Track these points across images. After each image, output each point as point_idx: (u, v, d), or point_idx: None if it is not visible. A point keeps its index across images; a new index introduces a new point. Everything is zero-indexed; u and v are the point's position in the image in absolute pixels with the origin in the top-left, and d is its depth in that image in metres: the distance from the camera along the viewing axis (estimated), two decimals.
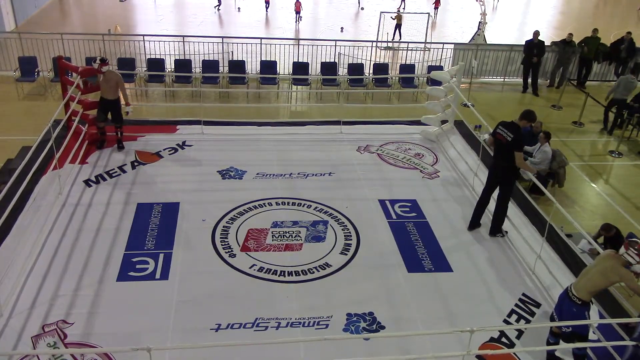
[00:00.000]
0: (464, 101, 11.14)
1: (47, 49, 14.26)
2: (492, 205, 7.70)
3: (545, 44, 15.89)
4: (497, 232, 7.62)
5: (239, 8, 26.88)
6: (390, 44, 19.65)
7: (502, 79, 16.63)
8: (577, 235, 7.81)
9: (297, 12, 24.15)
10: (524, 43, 15.87)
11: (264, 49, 15.26)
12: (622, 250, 5.71)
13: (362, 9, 27.78)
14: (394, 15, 21.80)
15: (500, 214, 7.55)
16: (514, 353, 5.71)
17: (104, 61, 8.76)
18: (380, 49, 18.97)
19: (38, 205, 7.37)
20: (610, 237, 7.75)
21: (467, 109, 10.73)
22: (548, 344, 5.71)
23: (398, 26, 21.44)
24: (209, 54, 14.97)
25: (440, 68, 14.93)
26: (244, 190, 8.34)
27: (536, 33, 15.40)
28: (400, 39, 20.90)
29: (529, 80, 15.95)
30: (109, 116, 9.02)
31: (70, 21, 23.31)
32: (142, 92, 14.23)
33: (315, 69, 15.11)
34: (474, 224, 7.74)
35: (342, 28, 24.36)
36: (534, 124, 10.77)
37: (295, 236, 7.35)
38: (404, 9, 28.01)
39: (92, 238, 7.06)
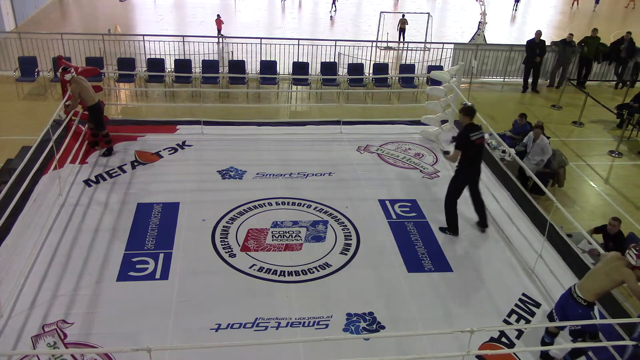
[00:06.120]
0: (464, 101, 11.13)
1: (47, 49, 14.27)
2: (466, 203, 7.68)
3: (546, 43, 15.91)
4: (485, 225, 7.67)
5: (331, 17, 25.76)
6: (389, 44, 19.66)
7: (502, 79, 16.65)
8: (577, 235, 7.82)
9: (219, 30, 20.45)
10: (524, 43, 15.89)
11: (264, 49, 15.27)
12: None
13: (331, 17, 26.05)
14: (399, 20, 21.90)
15: (483, 207, 7.61)
16: (514, 353, 5.71)
17: (65, 70, 8.63)
18: (380, 49, 18.97)
19: (38, 205, 7.36)
20: (612, 235, 7.74)
21: None
22: (543, 343, 5.72)
23: (402, 30, 21.56)
24: (209, 54, 14.99)
25: (440, 68, 14.93)
26: (244, 190, 8.34)
27: (538, 33, 15.42)
28: (404, 40, 20.96)
29: (529, 80, 15.96)
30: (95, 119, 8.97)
31: (70, 21, 23.32)
32: (142, 92, 14.24)
33: (315, 69, 15.13)
34: (483, 223, 7.74)
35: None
36: (535, 124, 10.78)
37: (295, 236, 7.35)
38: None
39: (91, 238, 7.05)
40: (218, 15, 20.36)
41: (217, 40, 18.23)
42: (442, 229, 7.63)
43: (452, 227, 7.59)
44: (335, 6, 26.48)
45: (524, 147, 10.44)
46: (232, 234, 7.31)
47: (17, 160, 8.23)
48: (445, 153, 7.60)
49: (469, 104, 7.99)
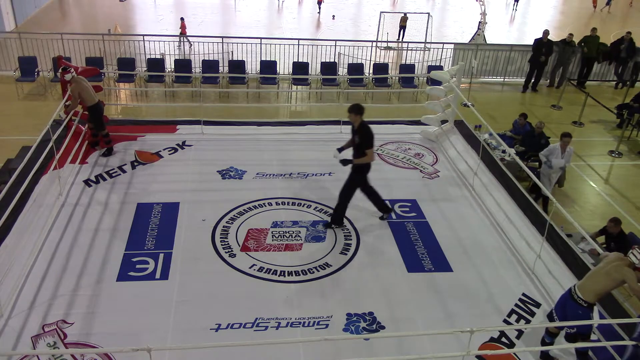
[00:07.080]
0: (463, 101, 11.13)
1: (47, 49, 14.26)
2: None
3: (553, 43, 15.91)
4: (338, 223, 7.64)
5: (333, 16, 25.83)
6: (389, 44, 19.66)
7: (502, 79, 16.64)
8: (577, 235, 7.81)
9: (183, 34, 18.73)
10: (524, 43, 15.87)
11: (264, 49, 15.27)
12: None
13: (333, 17, 26.00)
14: (400, 18, 22.02)
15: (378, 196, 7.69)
16: (514, 353, 5.71)
17: (65, 70, 8.64)
18: (380, 49, 18.97)
19: (38, 205, 7.36)
20: (614, 235, 7.73)
21: (467, 108, 10.73)
22: (543, 343, 5.72)
23: (403, 27, 21.68)
24: (209, 54, 14.98)
25: (440, 68, 14.92)
26: (244, 190, 8.34)
27: (546, 32, 15.43)
28: (403, 38, 21.05)
29: (532, 80, 15.95)
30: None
31: (70, 21, 23.30)
32: (142, 92, 14.23)
33: (315, 69, 15.11)
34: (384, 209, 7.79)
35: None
36: (536, 124, 10.77)
37: (295, 236, 7.35)
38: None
39: (92, 238, 7.06)
40: (182, 19, 19.93)
41: (178, 43, 17.83)
42: (326, 225, 7.57)
43: (339, 220, 7.59)
44: (319, 7, 26.60)
45: (524, 149, 10.41)
46: (232, 234, 7.31)
47: (17, 160, 8.23)
48: (346, 162, 7.39)
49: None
